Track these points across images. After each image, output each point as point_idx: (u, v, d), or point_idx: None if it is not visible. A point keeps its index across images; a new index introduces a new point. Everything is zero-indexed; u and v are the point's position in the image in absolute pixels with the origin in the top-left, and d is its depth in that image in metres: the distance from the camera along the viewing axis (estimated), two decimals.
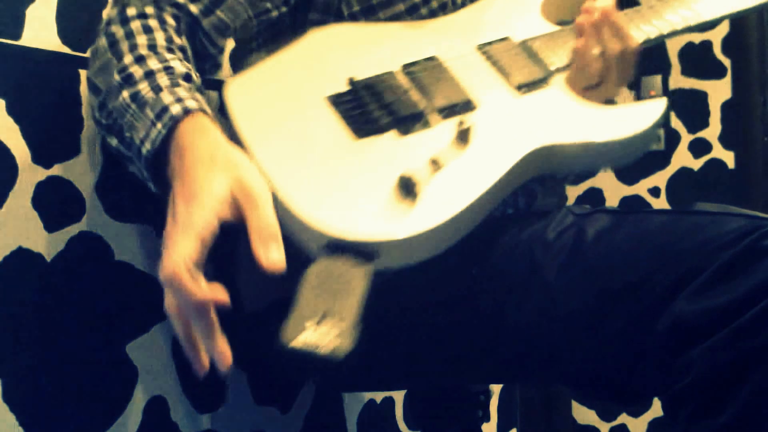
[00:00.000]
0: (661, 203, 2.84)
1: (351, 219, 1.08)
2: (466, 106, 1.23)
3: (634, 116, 1.24)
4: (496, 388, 2.21)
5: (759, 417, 0.99)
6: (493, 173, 1.16)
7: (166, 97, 1.08)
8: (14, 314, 1.30)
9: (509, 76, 1.28)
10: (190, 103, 1.06)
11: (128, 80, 1.12)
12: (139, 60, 1.13)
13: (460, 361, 1.23)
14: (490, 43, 1.33)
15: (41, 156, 1.34)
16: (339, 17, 1.32)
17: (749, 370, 1.00)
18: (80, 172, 1.39)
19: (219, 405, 1.56)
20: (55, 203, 1.35)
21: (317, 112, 1.19)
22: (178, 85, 1.10)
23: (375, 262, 1.08)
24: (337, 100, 1.20)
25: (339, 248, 1.07)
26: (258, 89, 1.22)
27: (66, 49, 1.39)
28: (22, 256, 1.31)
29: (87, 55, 1.42)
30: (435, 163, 1.14)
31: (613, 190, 2.93)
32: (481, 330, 1.18)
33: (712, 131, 2.79)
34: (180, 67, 1.14)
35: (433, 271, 1.17)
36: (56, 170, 1.36)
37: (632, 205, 2.87)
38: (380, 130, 1.17)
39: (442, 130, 1.20)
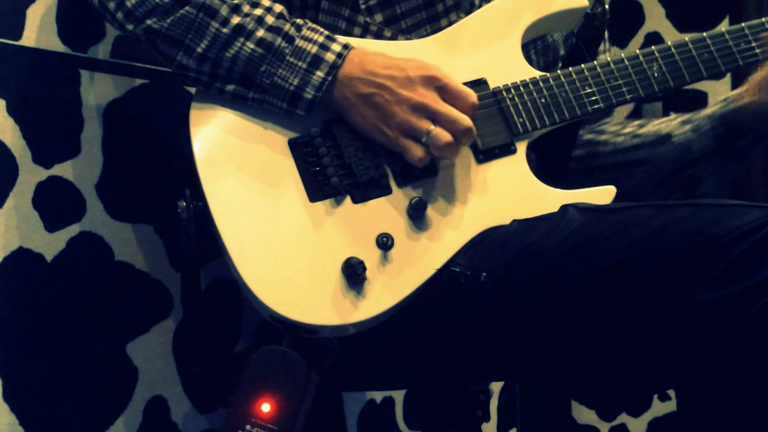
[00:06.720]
0: None
1: (294, 299, 1.13)
2: (427, 171, 1.21)
3: (585, 200, 1.23)
4: (496, 389, 2.21)
5: None
6: (438, 258, 1.18)
7: (310, 46, 1.18)
8: (14, 314, 1.30)
9: (475, 138, 1.23)
10: (336, 47, 1.19)
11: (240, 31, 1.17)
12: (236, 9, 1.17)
13: (467, 361, 1.23)
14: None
15: (41, 156, 1.34)
16: (355, 10, 1.29)
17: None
18: (80, 172, 1.39)
19: (219, 405, 1.56)
20: (55, 203, 1.35)
21: (278, 158, 1.20)
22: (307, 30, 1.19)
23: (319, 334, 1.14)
24: (295, 147, 1.20)
25: (281, 322, 1.13)
26: (222, 118, 1.21)
27: (66, 49, 1.39)
28: (22, 256, 1.31)
29: (87, 55, 1.43)
30: (384, 242, 1.16)
31: None
32: (492, 332, 1.18)
33: None
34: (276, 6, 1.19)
35: (444, 275, 1.18)
36: (56, 170, 1.36)
37: None
38: (334, 192, 1.18)
39: (398, 198, 1.20)
